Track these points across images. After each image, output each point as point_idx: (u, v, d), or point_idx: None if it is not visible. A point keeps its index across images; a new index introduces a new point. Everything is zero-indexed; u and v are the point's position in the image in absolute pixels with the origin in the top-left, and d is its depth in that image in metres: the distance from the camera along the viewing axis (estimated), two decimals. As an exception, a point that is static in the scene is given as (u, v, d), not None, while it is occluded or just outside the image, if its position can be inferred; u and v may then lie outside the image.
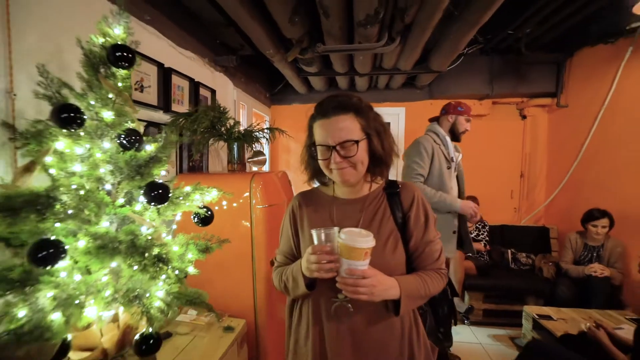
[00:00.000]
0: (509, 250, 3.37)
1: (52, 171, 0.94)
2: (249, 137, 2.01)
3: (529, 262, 3.28)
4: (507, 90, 3.58)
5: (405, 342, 0.90)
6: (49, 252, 0.79)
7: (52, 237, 0.82)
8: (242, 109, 3.21)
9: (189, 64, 2.19)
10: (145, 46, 1.71)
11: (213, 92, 2.45)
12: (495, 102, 3.87)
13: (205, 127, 1.70)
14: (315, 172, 0.97)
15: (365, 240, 0.76)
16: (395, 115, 4.00)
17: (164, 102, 1.88)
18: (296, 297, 0.94)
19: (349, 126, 0.85)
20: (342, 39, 2.30)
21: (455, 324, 1.17)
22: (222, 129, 1.92)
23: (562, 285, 2.70)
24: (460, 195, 2.33)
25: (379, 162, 0.90)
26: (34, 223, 0.83)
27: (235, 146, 2.03)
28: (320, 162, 0.89)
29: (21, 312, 0.81)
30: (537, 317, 2.32)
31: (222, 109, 1.84)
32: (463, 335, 2.82)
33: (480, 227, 3.34)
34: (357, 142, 0.84)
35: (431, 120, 2.43)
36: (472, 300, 2.95)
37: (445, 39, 2.57)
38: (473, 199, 3.36)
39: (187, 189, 1.13)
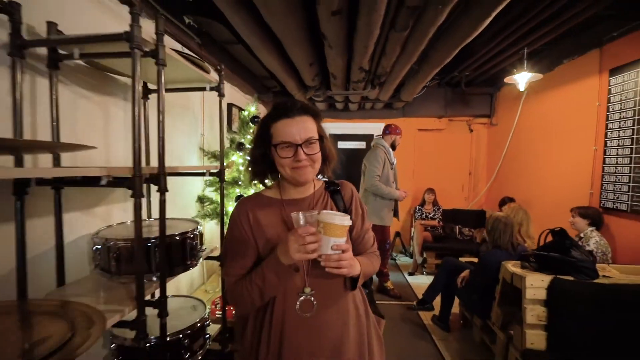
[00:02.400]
0: (457, 226, 4.79)
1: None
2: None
3: (470, 234, 4.70)
4: (457, 113, 5.02)
5: (362, 321, 0.99)
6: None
7: (240, 193, 2.15)
8: (269, 125, 4.54)
9: (246, 101, 3.51)
10: (231, 96, 3.03)
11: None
12: (451, 119, 5.29)
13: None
14: (260, 173, 0.98)
15: (345, 218, 0.81)
16: (378, 129, 5.39)
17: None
18: (269, 295, 0.89)
19: (310, 126, 0.90)
20: (342, 87, 3.67)
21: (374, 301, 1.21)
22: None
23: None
24: (396, 185, 3.59)
25: (326, 161, 0.97)
26: (235, 188, 2.16)
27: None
28: (282, 160, 0.89)
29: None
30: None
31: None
32: (421, 280, 4.22)
33: (436, 209, 4.76)
34: (317, 140, 0.90)
35: (376, 136, 3.65)
36: (427, 257, 4.36)
37: (410, 81, 3.95)
38: (431, 190, 4.78)
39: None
